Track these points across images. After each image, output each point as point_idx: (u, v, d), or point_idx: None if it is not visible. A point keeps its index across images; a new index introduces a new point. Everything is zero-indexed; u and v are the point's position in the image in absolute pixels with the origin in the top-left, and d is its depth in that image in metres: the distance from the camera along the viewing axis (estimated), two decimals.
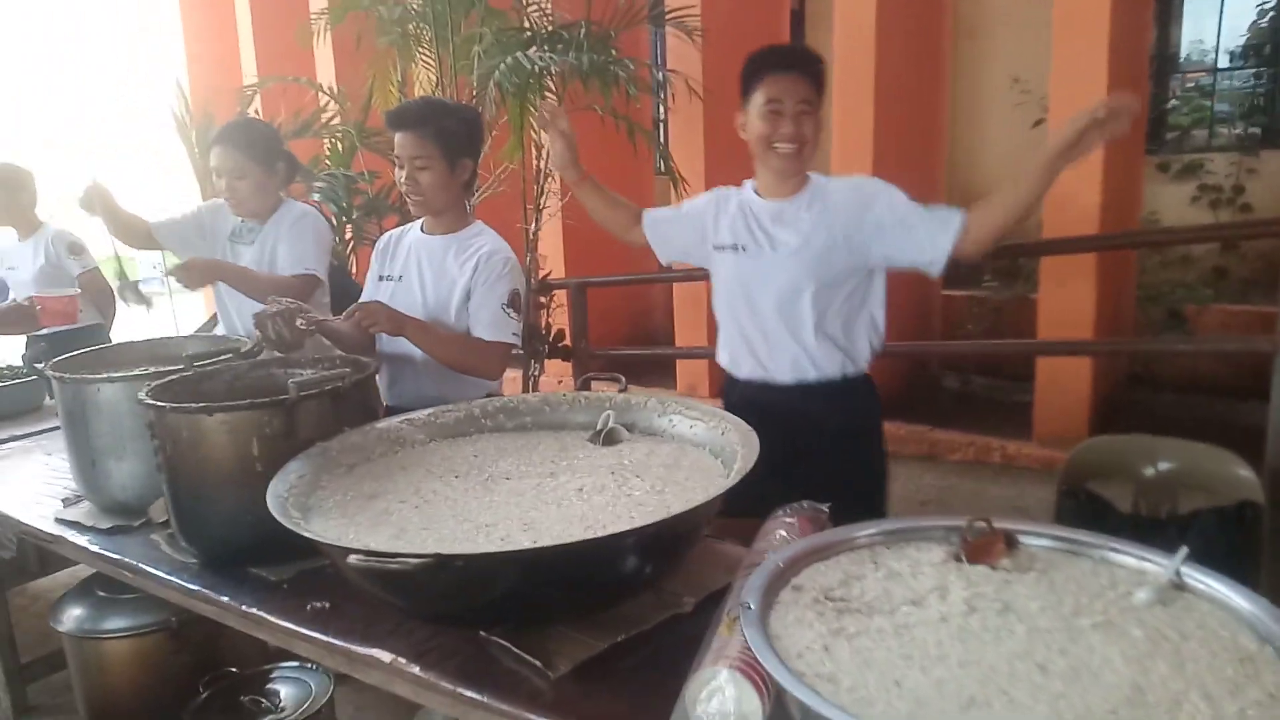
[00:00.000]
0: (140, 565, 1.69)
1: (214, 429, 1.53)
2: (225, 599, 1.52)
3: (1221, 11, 5.46)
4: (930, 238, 1.89)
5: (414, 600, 1.26)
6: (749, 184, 2.10)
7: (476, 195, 3.90)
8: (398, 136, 2.09)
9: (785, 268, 1.97)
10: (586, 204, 2.26)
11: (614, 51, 3.76)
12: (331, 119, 4.28)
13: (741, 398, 2.09)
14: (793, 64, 1.92)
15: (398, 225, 4.27)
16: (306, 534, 1.21)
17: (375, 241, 2.41)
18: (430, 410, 1.79)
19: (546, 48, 3.42)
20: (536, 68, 3.34)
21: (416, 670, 1.24)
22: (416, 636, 1.32)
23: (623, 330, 5.98)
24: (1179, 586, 1.06)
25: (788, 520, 1.41)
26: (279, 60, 5.65)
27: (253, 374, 1.91)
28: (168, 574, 1.64)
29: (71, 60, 12.22)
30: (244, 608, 1.50)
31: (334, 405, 1.63)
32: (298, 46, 4.49)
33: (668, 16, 3.93)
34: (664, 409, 1.74)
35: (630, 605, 1.31)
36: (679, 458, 1.57)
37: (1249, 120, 5.47)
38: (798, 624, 1.03)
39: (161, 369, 1.91)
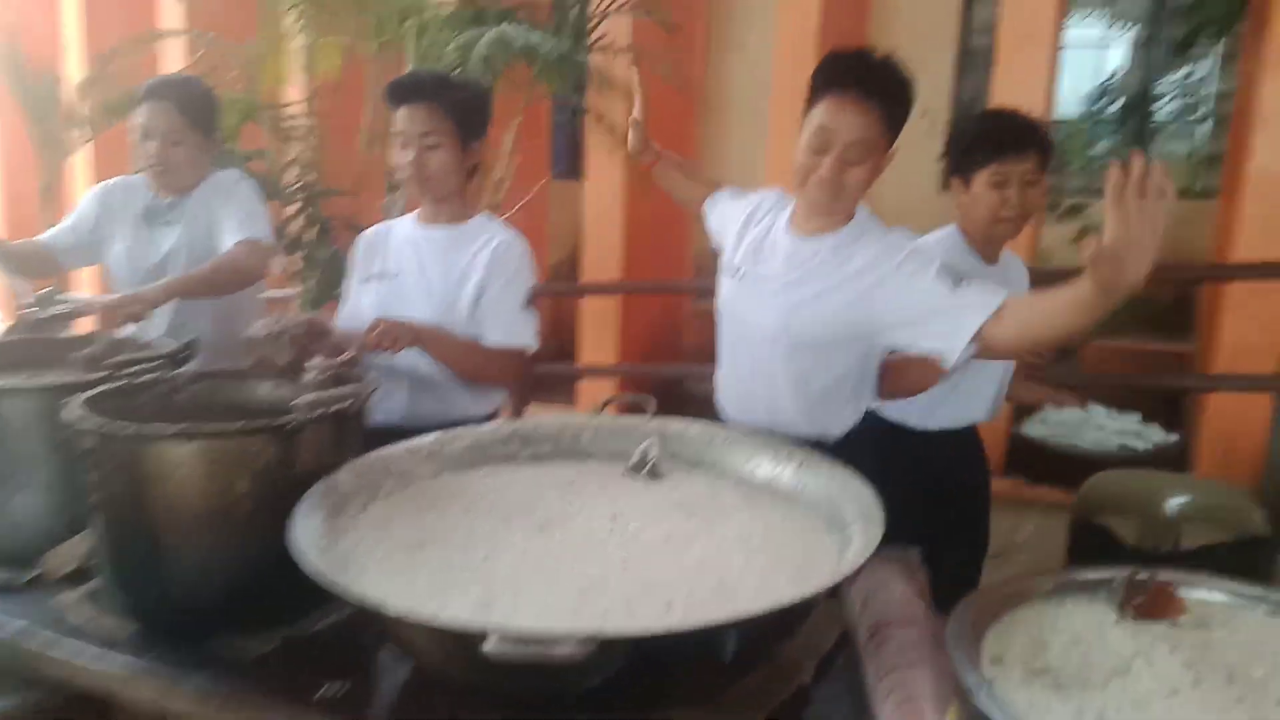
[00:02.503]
0: (44, 636, 1.28)
1: (189, 459, 1.19)
2: (190, 684, 1.17)
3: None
4: (953, 323, 1.48)
5: (509, 683, 1.00)
6: (786, 211, 1.74)
7: None
8: (403, 111, 1.78)
9: (765, 308, 1.67)
10: (664, 185, 2.05)
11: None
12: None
13: None
14: (863, 88, 1.50)
15: (299, 214, 3.85)
16: (410, 615, 0.92)
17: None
18: (433, 438, 1.50)
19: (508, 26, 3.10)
20: (519, 46, 3.01)
21: None
22: None
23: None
24: None
25: (879, 567, 1.28)
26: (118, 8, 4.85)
27: (195, 387, 1.54)
28: (91, 649, 1.25)
29: None
30: (223, 692, 1.16)
31: (336, 432, 1.32)
32: None
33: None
34: (711, 440, 1.55)
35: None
36: (748, 496, 1.38)
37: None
38: (1034, 707, 0.88)
39: (71, 378, 1.50)
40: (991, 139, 1.93)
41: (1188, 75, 6.19)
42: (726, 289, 1.79)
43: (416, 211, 1.94)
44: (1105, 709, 0.89)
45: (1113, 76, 6.21)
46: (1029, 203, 1.91)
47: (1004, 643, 1.01)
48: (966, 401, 2.05)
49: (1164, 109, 6.13)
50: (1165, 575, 1.12)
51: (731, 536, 1.22)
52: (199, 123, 2.20)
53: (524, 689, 1.03)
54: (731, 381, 1.81)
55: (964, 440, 2.11)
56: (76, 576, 1.42)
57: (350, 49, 3.58)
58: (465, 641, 0.89)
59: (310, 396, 1.24)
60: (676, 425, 1.60)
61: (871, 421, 1.80)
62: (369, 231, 2.01)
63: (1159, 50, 5.96)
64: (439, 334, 1.77)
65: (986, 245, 2.00)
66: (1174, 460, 4.04)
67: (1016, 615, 1.09)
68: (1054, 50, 3.62)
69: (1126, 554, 1.91)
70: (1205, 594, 1.12)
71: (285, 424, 1.22)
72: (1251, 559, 1.78)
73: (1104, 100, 5.95)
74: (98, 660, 1.23)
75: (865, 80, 1.52)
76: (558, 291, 5.01)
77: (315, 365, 1.57)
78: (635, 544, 1.20)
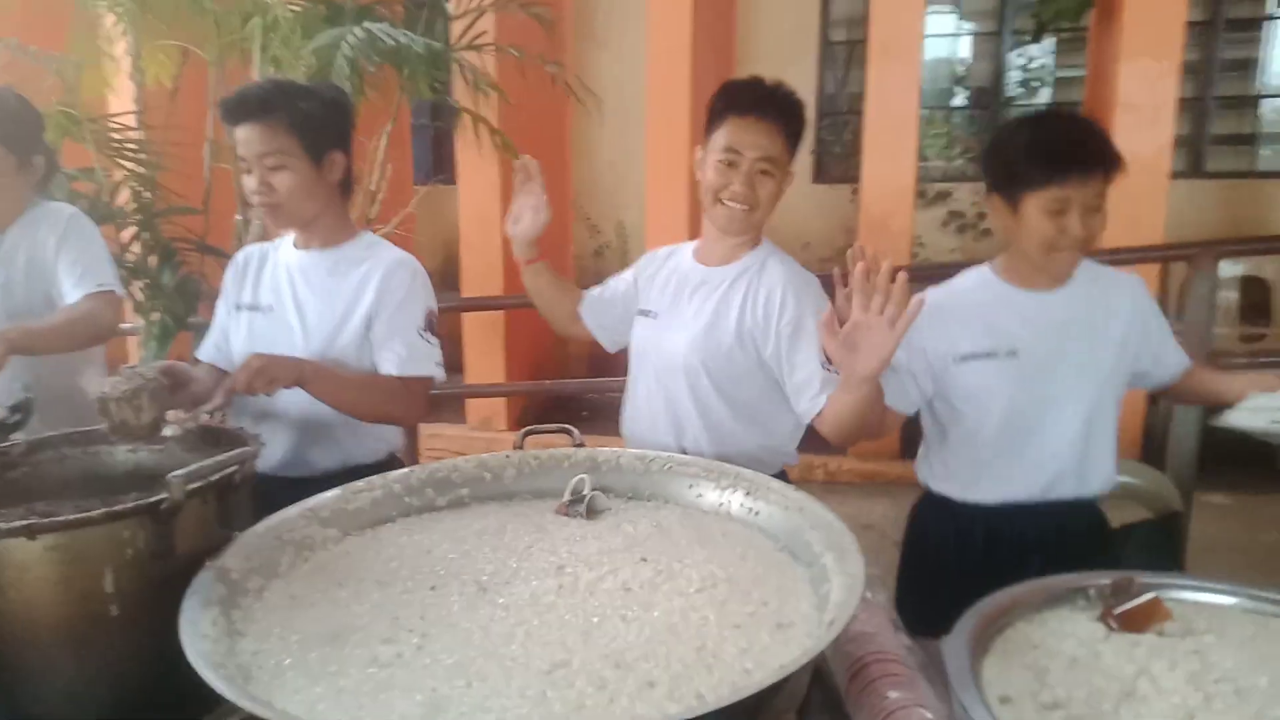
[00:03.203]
0: None
1: (40, 560, 0.96)
2: None
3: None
4: (797, 392, 1.57)
5: None
6: (691, 245, 1.76)
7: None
8: (240, 131, 1.53)
9: (676, 345, 1.64)
10: (532, 288, 1.83)
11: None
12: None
13: None
14: (764, 110, 1.54)
15: (136, 238, 3.42)
16: None
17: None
18: (333, 495, 1.31)
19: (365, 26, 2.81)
20: (387, 46, 2.71)
21: None
22: None
23: None
24: None
25: None
26: None
27: (35, 458, 1.29)
28: None
29: None
30: None
31: (220, 504, 1.12)
32: None
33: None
34: (646, 468, 1.43)
35: None
36: (699, 529, 1.27)
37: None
38: None
39: None
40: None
41: (1028, 63, 6.55)
42: (641, 330, 1.76)
43: (295, 235, 1.71)
44: None
45: (964, 67, 6.51)
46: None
47: (1005, 678, 0.94)
48: (1015, 473, 1.62)
49: (1010, 96, 6.46)
50: (1139, 581, 1.08)
51: (696, 582, 1.10)
52: (10, 141, 1.89)
53: None
54: (643, 415, 1.74)
55: (1044, 518, 1.62)
56: None
57: (185, 54, 3.22)
58: None
59: (188, 468, 1.04)
60: (606, 454, 1.47)
61: (926, 498, 1.74)
62: (241, 254, 1.76)
63: (1005, 41, 6.28)
64: (324, 369, 1.55)
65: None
66: None
67: (1005, 640, 1.02)
68: (921, 44, 3.71)
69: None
70: (1182, 595, 1.09)
71: (159, 503, 1.01)
72: (1169, 534, 1.82)
73: (956, 90, 6.23)
74: None
75: (764, 102, 1.57)
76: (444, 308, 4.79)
77: (175, 420, 1.35)
78: (591, 603, 1.06)
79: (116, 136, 3.09)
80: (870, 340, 1.31)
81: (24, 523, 0.96)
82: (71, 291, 1.88)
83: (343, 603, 1.07)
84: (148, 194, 3.06)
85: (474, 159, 3.98)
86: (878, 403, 1.49)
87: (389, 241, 1.75)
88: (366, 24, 2.81)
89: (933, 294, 1.60)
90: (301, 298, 1.65)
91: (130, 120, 3.27)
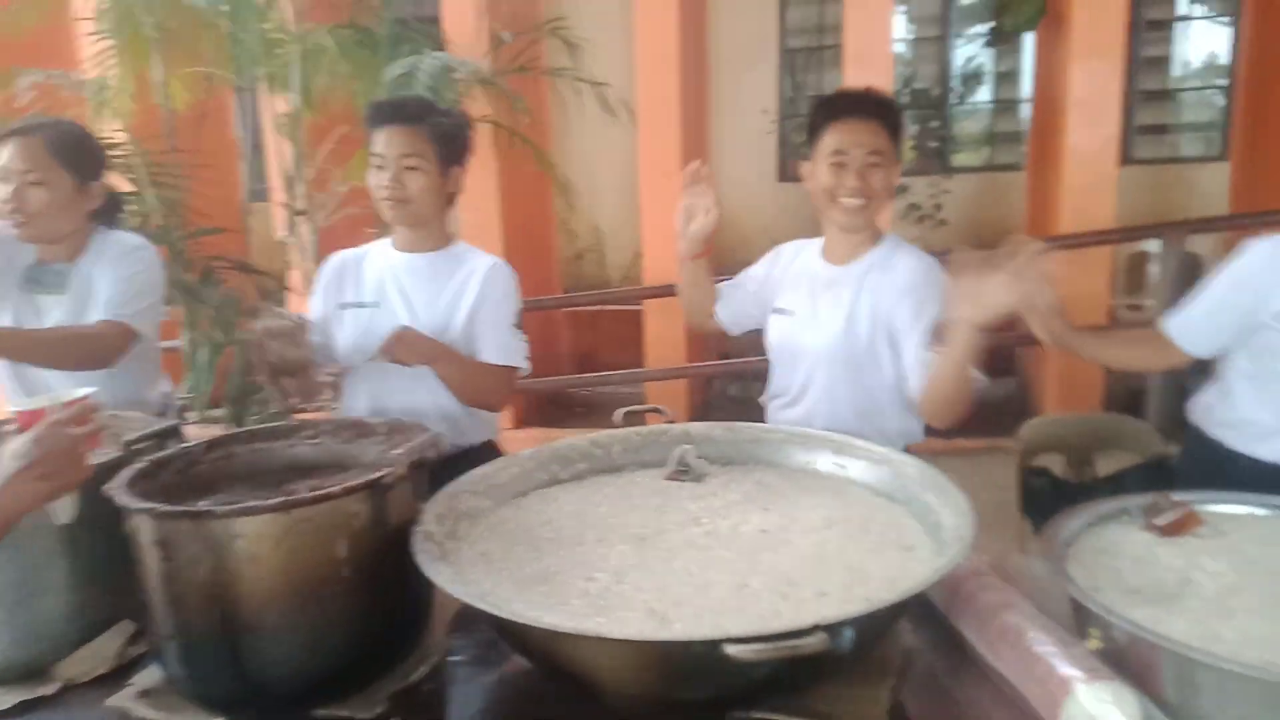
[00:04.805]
0: None
1: (287, 531, 1.13)
2: None
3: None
4: (910, 372, 1.72)
5: (683, 690, 1.04)
6: (817, 243, 1.90)
7: (324, 219, 3.29)
8: (383, 133, 1.72)
9: (817, 342, 1.79)
10: (691, 281, 1.94)
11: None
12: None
13: None
14: (864, 111, 1.71)
15: (175, 258, 3.47)
16: (640, 637, 0.94)
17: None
18: (480, 473, 1.49)
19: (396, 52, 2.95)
20: (464, 72, 2.87)
21: None
22: None
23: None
24: None
25: None
26: None
27: (212, 456, 1.44)
28: None
29: None
30: None
31: (415, 481, 1.29)
32: None
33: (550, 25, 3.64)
34: (736, 438, 1.64)
35: None
36: (797, 482, 1.49)
37: (941, 150, 6.69)
38: (1153, 621, 1.05)
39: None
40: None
41: (967, 63, 6.97)
42: (779, 327, 1.88)
43: (389, 239, 1.88)
44: (1198, 612, 1.08)
45: (910, 68, 6.89)
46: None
47: (1090, 572, 1.18)
48: None
49: (957, 95, 6.88)
50: (1178, 497, 1.33)
51: (818, 522, 1.32)
52: (70, 165, 1.94)
53: (693, 694, 1.07)
54: (790, 407, 1.89)
55: None
56: (106, 678, 1.31)
57: (208, 79, 3.30)
58: (676, 652, 0.94)
59: (406, 448, 1.21)
60: (698, 428, 1.68)
61: (1203, 447, 1.77)
62: (334, 258, 1.92)
63: (950, 44, 6.69)
64: (452, 352, 1.75)
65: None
66: None
67: (1079, 547, 1.26)
68: (890, 51, 4.02)
69: (1066, 486, 2.19)
70: (1212, 508, 1.34)
71: (382, 479, 1.18)
72: (1158, 477, 2.10)
73: (906, 90, 6.59)
74: None
75: (861, 103, 1.74)
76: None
77: (271, 314, 1.59)
78: (739, 544, 1.27)
79: (151, 161, 3.16)
80: (992, 285, 1.43)
81: (281, 499, 1.12)
82: (95, 314, 1.94)
83: (528, 557, 1.26)
84: (179, 217, 3.15)
85: (478, 175, 4.13)
86: (966, 369, 1.58)
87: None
88: (434, 53, 2.97)
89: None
90: (409, 294, 1.83)
91: (162, 145, 3.34)
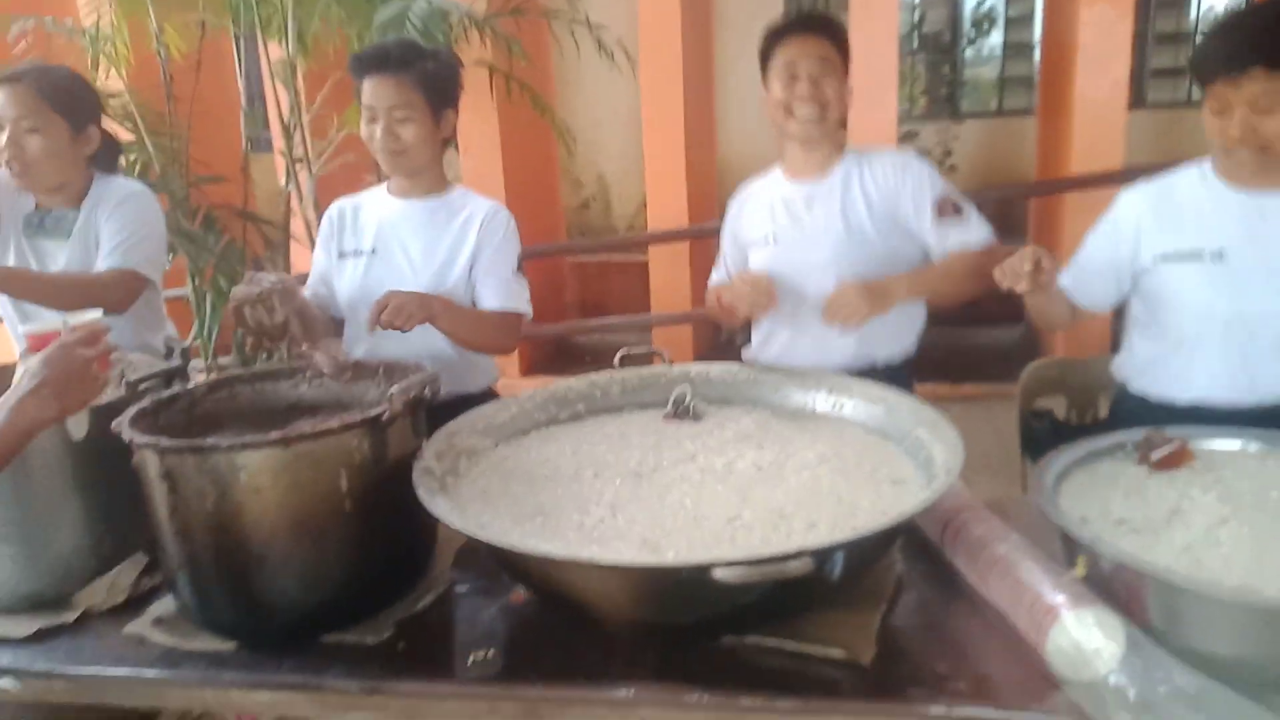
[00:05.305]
0: (141, 673, 1.21)
1: (290, 465, 1.15)
2: (337, 685, 1.15)
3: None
4: (939, 239, 1.75)
5: (675, 615, 1.07)
6: (772, 172, 1.93)
7: (322, 166, 3.28)
8: (369, 83, 1.70)
9: (820, 256, 1.79)
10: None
11: None
12: None
13: None
14: (808, 28, 1.77)
15: (175, 207, 3.48)
16: (632, 563, 0.97)
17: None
18: (480, 412, 1.51)
19: None
20: (457, 15, 2.83)
21: (699, 696, 1.06)
22: (648, 660, 1.12)
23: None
24: None
25: None
26: None
27: (215, 395, 1.46)
28: (200, 671, 1.19)
29: None
30: (376, 685, 1.15)
31: (414, 418, 1.31)
32: None
33: None
34: (734, 378, 1.66)
35: None
36: (794, 421, 1.51)
37: (951, 96, 6.60)
38: (1139, 549, 1.07)
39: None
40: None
41: (979, 5, 6.82)
42: (763, 259, 1.87)
43: (385, 185, 1.88)
44: (1185, 541, 1.09)
45: (918, 14, 6.76)
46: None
47: (1079, 504, 1.20)
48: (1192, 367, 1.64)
49: (968, 40, 6.75)
50: (1173, 432, 1.34)
51: (812, 458, 1.34)
52: (64, 110, 1.94)
53: (686, 619, 1.10)
54: (777, 332, 1.89)
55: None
56: (123, 608, 1.35)
57: (204, 27, 3.26)
58: (666, 577, 0.96)
59: (402, 385, 1.23)
60: (697, 368, 1.70)
61: (1128, 401, 1.76)
62: (334, 207, 1.92)
63: None
64: (450, 305, 1.73)
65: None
66: None
67: (1070, 484, 1.27)
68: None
69: (1066, 428, 2.20)
70: (1206, 444, 1.35)
71: (380, 415, 1.20)
72: None
73: (914, 35, 6.48)
74: (222, 678, 1.18)
75: (803, 22, 1.80)
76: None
77: (251, 280, 1.59)
78: (732, 479, 1.29)
79: (139, 109, 3.15)
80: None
81: (281, 434, 1.14)
82: (101, 262, 1.96)
83: (526, 492, 1.28)
84: (179, 165, 3.14)
85: (478, 122, 4.09)
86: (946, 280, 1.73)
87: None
88: None
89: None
90: (406, 242, 1.82)
91: (157, 94, 3.32)
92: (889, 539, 1.11)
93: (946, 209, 1.75)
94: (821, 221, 1.81)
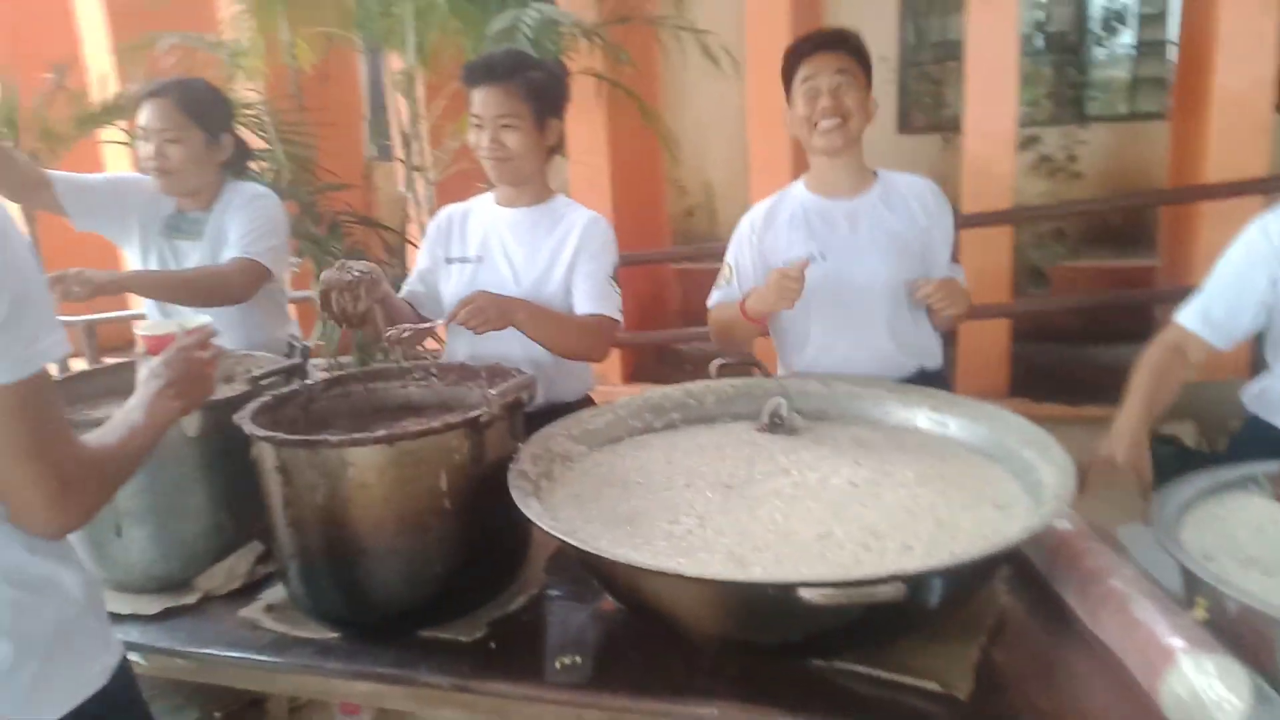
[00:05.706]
0: (252, 657, 1.28)
1: (393, 463, 1.20)
2: (431, 679, 1.19)
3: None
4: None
5: (761, 634, 1.06)
6: (796, 185, 1.91)
7: (439, 174, 3.43)
8: (477, 92, 1.76)
9: (875, 269, 1.80)
10: (744, 336, 1.88)
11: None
12: None
13: None
14: (826, 44, 1.78)
15: (303, 213, 3.71)
16: (719, 577, 0.96)
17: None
18: (575, 418, 1.53)
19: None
20: (567, 25, 2.93)
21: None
22: (732, 677, 1.11)
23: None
24: None
25: None
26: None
27: (330, 393, 1.53)
28: (306, 658, 1.26)
29: None
30: (467, 682, 1.18)
31: (511, 421, 1.35)
32: None
33: None
34: (832, 392, 1.63)
35: None
36: (894, 438, 1.47)
37: (1077, 99, 6.31)
38: (1268, 591, 0.99)
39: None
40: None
41: (1110, 2, 6.45)
42: (811, 273, 1.76)
43: (492, 194, 1.94)
44: None
45: (1044, 11, 6.45)
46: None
47: (1204, 540, 1.12)
48: None
49: (1095, 39, 6.39)
50: None
51: (911, 478, 1.30)
52: (201, 121, 2.10)
53: (771, 638, 1.09)
54: (830, 348, 1.87)
55: None
56: (239, 593, 1.43)
57: (330, 40, 3.46)
58: (748, 593, 0.95)
59: (499, 389, 1.27)
60: (793, 381, 1.67)
61: (1260, 429, 1.69)
62: (442, 213, 2.00)
63: None
64: (538, 310, 1.77)
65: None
66: None
67: (1195, 515, 1.19)
68: None
69: (1195, 456, 2.06)
70: None
71: (479, 417, 1.24)
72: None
73: (1037, 34, 6.19)
74: (325, 666, 1.24)
75: (823, 39, 1.80)
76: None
77: (341, 267, 1.68)
78: (826, 495, 1.26)
79: (279, 120, 3.35)
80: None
81: (386, 432, 1.19)
82: (226, 254, 2.10)
83: (617, 499, 1.29)
84: (307, 172, 3.33)
85: (584, 130, 4.14)
86: None
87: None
88: (537, 4, 3.00)
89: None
90: (510, 250, 1.87)
91: (290, 104, 3.53)
92: (990, 566, 1.06)
93: (956, 255, 1.90)
94: (869, 235, 1.83)
